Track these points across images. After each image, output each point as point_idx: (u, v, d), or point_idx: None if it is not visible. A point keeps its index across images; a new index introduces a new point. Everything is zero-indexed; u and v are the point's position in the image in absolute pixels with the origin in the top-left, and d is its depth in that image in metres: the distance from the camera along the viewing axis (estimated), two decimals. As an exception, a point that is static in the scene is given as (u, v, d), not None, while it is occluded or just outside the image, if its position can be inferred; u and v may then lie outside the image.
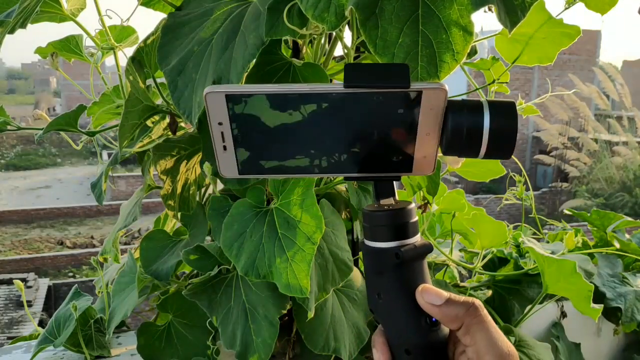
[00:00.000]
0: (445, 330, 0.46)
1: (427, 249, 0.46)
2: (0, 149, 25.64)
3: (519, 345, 0.91)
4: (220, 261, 0.72)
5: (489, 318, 0.44)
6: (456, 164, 0.80)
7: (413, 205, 0.47)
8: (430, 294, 0.45)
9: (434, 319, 0.45)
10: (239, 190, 0.71)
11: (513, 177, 1.09)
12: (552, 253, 0.96)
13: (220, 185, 0.74)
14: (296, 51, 0.69)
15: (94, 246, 13.50)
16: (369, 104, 0.45)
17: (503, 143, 0.44)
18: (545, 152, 15.39)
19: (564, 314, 1.13)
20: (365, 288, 0.49)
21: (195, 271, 0.81)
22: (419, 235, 0.47)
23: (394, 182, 0.49)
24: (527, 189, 1.10)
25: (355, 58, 0.68)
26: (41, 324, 7.40)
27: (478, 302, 0.45)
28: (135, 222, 0.79)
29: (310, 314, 0.66)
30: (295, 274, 0.62)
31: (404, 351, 0.45)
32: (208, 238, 0.77)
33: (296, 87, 0.46)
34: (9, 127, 0.75)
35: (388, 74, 0.44)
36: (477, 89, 0.81)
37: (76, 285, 0.94)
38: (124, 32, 0.83)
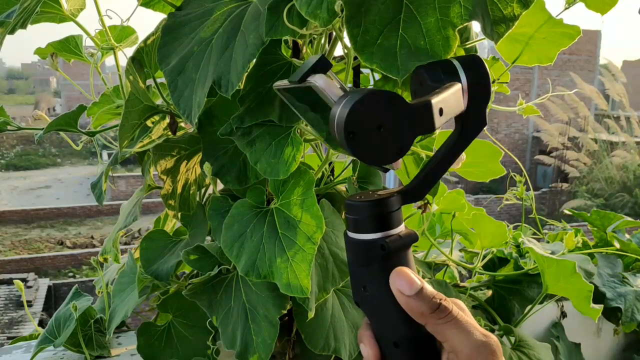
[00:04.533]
0: None
1: (413, 238, 0.45)
2: (0, 149, 25.65)
3: (519, 345, 0.91)
4: (221, 261, 0.71)
5: (459, 315, 0.42)
6: (456, 164, 0.80)
7: (396, 194, 0.45)
8: (402, 280, 0.42)
9: None
10: (239, 190, 0.71)
11: (513, 177, 1.09)
12: (552, 253, 0.96)
13: (220, 185, 0.74)
14: (296, 51, 0.69)
15: (94, 246, 13.51)
16: None
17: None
18: (545, 152, 15.38)
19: (564, 314, 1.13)
20: (350, 281, 0.47)
21: (196, 271, 0.81)
22: (403, 224, 0.45)
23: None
24: (528, 189, 1.10)
25: (355, 58, 0.68)
26: (41, 324, 7.40)
27: (445, 303, 0.42)
28: (135, 222, 0.79)
29: (311, 314, 0.66)
30: (296, 274, 0.62)
31: (393, 344, 0.44)
32: (208, 238, 0.77)
33: None
34: (9, 128, 0.75)
35: None
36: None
37: (76, 285, 0.94)
38: (123, 32, 0.83)
